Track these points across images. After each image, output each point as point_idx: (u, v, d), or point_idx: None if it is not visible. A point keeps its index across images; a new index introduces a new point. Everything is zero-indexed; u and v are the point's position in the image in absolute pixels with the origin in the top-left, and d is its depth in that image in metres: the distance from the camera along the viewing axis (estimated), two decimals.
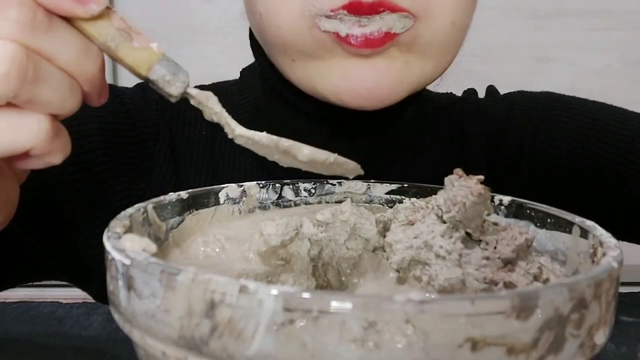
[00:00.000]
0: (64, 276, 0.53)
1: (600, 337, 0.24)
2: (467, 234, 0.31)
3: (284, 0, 0.41)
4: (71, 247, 0.49)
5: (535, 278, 0.30)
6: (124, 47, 0.29)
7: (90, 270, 0.50)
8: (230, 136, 0.32)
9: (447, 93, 0.61)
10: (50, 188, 0.47)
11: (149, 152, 0.52)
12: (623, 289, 0.27)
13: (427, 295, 0.27)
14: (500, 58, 1.26)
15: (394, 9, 0.40)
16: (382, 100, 0.43)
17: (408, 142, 0.54)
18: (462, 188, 0.30)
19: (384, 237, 0.34)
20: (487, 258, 0.30)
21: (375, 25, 0.40)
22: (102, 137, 0.49)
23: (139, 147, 0.51)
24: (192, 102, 0.31)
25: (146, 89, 0.54)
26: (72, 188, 0.48)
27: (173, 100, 0.31)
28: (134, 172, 0.51)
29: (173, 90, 0.30)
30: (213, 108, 0.31)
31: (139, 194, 0.50)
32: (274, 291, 0.20)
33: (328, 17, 0.40)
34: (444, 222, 0.31)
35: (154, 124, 0.52)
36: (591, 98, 0.57)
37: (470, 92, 0.60)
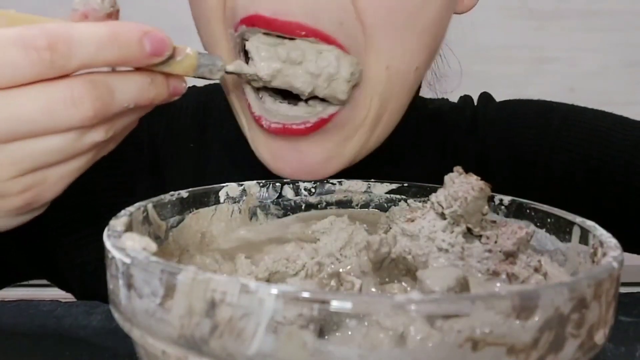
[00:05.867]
0: (45, 278, 0.53)
1: (601, 337, 0.24)
2: (468, 229, 0.31)
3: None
4: (51, 255, 0.49)
5: (536, 270, 0.30)
6: (172, 65, 0.33)
7: (71, 277, 0.50)
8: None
9: (441, 99, 0.59)
10: None
11: (132, 169, 0.52)
12: (623, 289, 0.27)
13: (427, 295, 0.27)
14: (499, 58, 1.26)
15: (321, 37, 0.36)
16: (313, 176, 0.40)
17: (399, 149, 0.53)
18: (463, 184, 0.31)
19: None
20: (490, 251, 0.30)
21: (296, 111, 0.39)
22: None
23: (120, 164, 0.51)
24: (230, 73, 0.37)
25: None
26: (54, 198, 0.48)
27: (219, 79, 0.37)
28: (117, 186, 0.51)
29: (217, 76, 0.36)
30: (247, 72, 0.38)
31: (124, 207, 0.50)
32: (275, 290, 0.20)
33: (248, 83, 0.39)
34: (444, 219, 0.31)
35: (138, 140, 0.52)
36: (590, 98, 0.57)
37: (466, 100, 0.59)
